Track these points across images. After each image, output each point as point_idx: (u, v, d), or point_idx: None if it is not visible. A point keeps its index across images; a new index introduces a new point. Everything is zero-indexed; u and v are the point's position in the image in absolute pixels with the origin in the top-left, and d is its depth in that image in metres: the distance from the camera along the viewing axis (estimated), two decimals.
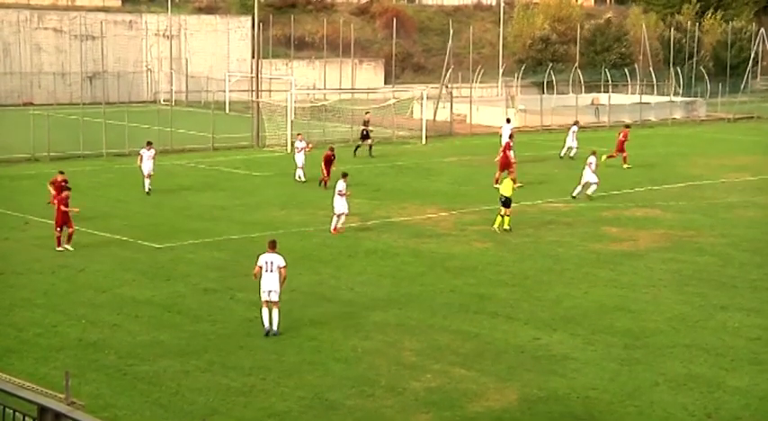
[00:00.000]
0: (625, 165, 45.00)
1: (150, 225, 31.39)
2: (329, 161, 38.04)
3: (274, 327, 20.14)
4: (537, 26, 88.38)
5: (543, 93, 70.36)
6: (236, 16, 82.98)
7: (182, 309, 22.29)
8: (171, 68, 75.94)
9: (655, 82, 76.35)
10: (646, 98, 71.59)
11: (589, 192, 36.71)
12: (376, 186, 39.25)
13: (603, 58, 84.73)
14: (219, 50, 79.92)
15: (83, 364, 18.41)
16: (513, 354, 19.46)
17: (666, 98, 73.87)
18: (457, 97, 63.77)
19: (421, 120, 56.34)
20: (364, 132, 48.92)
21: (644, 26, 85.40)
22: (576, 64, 76.47)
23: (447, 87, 63.43)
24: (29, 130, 46.04)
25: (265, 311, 20.21)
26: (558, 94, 71.29)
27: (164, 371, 18.20)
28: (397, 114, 57.27)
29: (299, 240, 29.21)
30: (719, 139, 59.82)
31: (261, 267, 20.34)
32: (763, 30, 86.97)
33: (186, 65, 76.63)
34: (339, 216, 30.37)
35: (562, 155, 48.42)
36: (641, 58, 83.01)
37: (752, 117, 72.11)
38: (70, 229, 27.48)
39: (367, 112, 50.99)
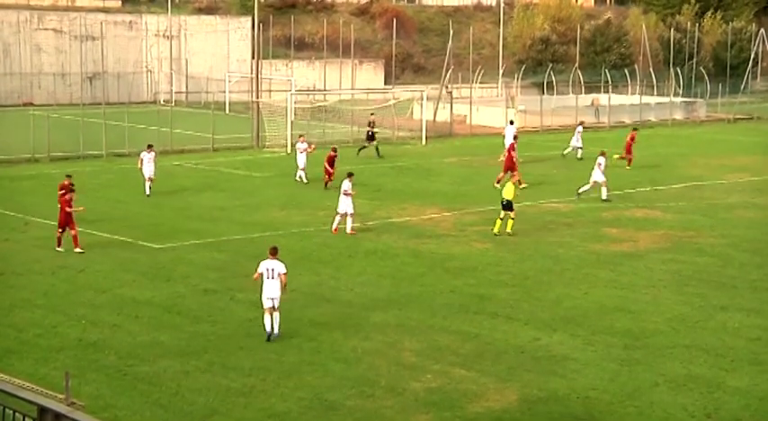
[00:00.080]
0: (627, 166, 45.11)
1: (150, 225, 31.39)
2: (332, 161, 38.07)
3: (275, 330, 20.13)
4: (537, 27, 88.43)
5: (543, 93, 70.27)
6: (236, 17, 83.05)
7: (182, 309, 22.29)
8: (171, 69, 75.99)
9: (655, 82, 76.27)
10: (646, 99, 71.54)
11: (603, 196, 36.64)
12: (376, 187, 39.25)
13: (603, 59, 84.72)
14: (219, 51, 79.95)
15: (83, 365, 18.41)
16: (513, 355, 19.46)
17: (666, 99, 73.76)
18: (457, 98, 63.76)
19: (421, 120, 56.37)
20: (369, 133, 48.86)
21: (644, 27, 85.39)
22: (576, 64, 76.48)
23: (447, 88, 63.41)
24: (29, 131, 46.04)
25: (267, 317, 20.16)
26: (557, 94, 71.19)
27: (164, 371, 18.21)
28: (397, 115, 57.27)
29: (299, 241, 29.23)
30: (719, 140, 59.80)
31: (261, 274, 20.32)
32: (763, 30, 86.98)
33: (186, 65, 76.68)
34: (343, 216, 30.35)
35: (565, 153, 48.68)
36: (641, 58, 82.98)
37: (752, 117, 72.10)
38: (73, 231, 27.37)
39: (372, 113, 50.93)
